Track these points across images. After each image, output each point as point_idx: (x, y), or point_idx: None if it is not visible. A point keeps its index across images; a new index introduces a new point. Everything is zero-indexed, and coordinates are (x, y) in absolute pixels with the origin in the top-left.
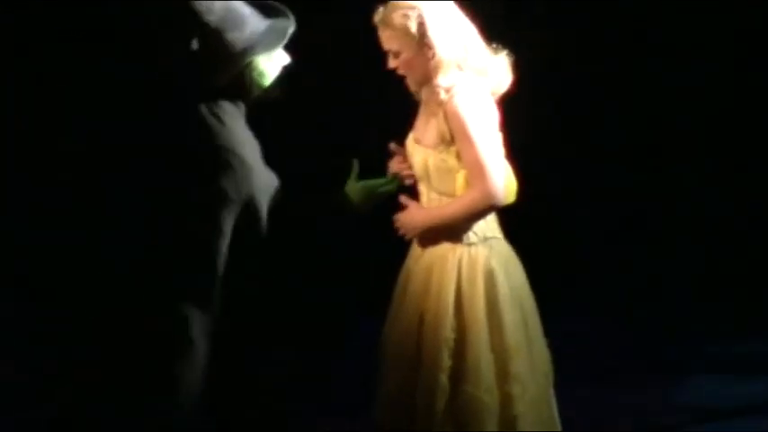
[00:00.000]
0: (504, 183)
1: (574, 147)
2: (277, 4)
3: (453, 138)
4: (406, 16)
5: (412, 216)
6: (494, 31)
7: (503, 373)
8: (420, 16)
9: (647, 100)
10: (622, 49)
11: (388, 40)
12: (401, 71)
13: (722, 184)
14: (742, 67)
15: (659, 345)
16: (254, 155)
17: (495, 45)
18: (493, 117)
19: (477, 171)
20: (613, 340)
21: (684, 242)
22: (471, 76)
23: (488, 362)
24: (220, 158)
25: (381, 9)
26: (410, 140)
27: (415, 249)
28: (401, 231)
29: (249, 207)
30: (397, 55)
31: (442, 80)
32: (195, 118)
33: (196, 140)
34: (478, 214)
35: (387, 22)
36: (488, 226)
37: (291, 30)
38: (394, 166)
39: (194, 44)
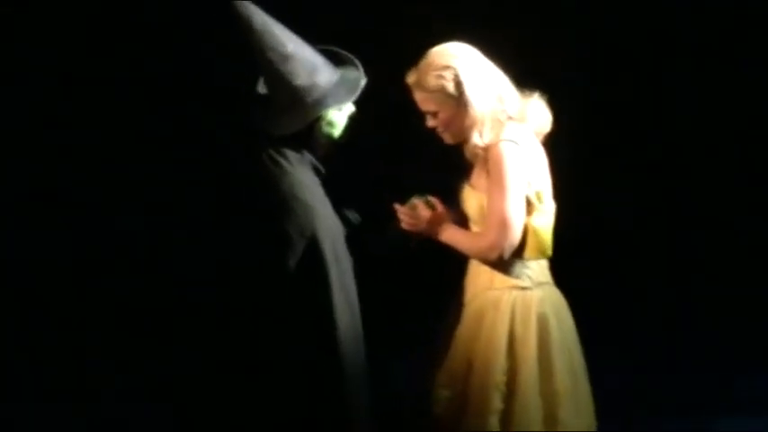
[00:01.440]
0: (514, 241)
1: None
2: (346, 53)
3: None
4: (441, 77)
5: (440, 222)
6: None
7: (550, 419)
8: (456, 76)
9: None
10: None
11: (424, 102)
12: (440, 129)
13: None
14: None
15: None
16: (317, 199)
17: (526, 90)
18: (539, 161)
19: (495, 222)
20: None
21: None
22: (512, 125)
23: (537, 407)
24: (283, 203)
25: (414, 71)
26: (466, 188)
27: (467, 291)
28: (418, 221)
29: (311, 248)
30: (435, 115)
31: (478, 139)
32: (260, 165)
33: (261, 187)
34: (481, 259)
35: (422, 85)
36: (541, 271)
37: (363, 83)
38: (403, 224)
39: (261, 86)
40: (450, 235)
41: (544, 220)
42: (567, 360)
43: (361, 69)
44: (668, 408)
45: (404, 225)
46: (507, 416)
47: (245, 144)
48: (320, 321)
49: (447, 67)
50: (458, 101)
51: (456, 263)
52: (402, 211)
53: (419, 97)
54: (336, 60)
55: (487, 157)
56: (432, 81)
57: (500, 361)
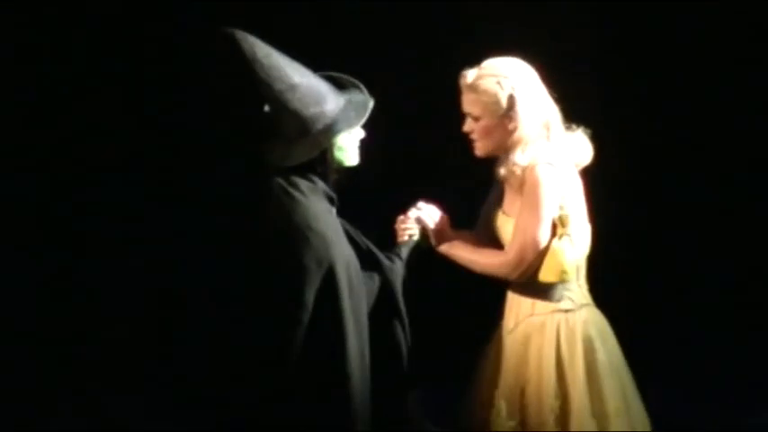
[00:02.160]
0: (534, 262)
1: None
2: (347, 77)
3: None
4: (499, 84)
5: (450, 240)
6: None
7: None
8: (513, 88)
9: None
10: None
11: (471, 104)
12: (476, 137)
13: None
14: None
15: None
16: (331, 228)
17: (570, 124)
18: (574, 189)
19: (523, 243)
20: None
21: None
22: (550, 148)
23: (591, 427)
24: (298, 234)
25: (472, 72)
26: (499, 215)
27: (508, 321)
28: (422, 219)
29: (328, 279)
30: (476, 119)
31: (520, 158)
32: (273, 196)
33: (275, 218)
34: (493, 276)
35: (475, 87)
36: (583, 293)
37: (371, 105)
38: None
39: (267, 118)
40: (459, 250)
41: (566, 245)
42: (617, 380)
43: (366, 92)
44: None
45: (399, 237)
46: None
47: (256, 177)
48: (333, 353)
49: (507, 78)
50: (505, 114)
51: (496, 291)
52: (399, 221)
53: (468, 98)
54: (338, 86)
55: (524, 178)
56: (488, 85)
57: (552, 385)
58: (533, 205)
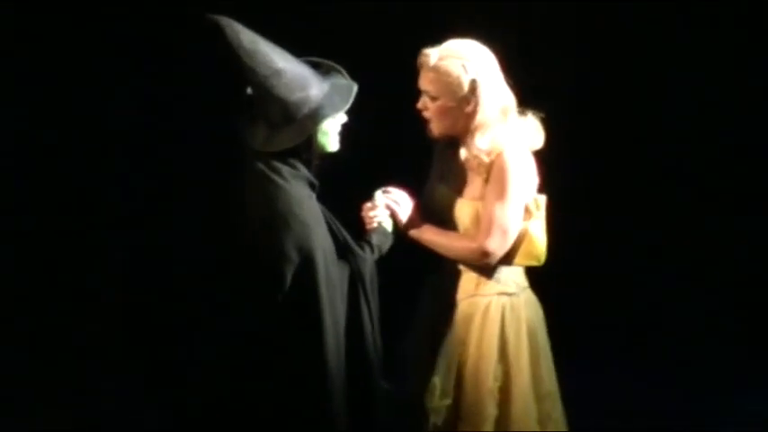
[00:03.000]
0: (507, 248)
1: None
2: (329, 62)
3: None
4: (463, 67)
5: (419, 224)
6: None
7: (546, 420)
8: (476, 72)
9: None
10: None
11: (430, 83)
12: (429, 115)
13: None
14: None
15: None
16: (312, 215)
17: (521, 108)
18: (532, 172)
19: (491, 227)
20: None
21: None
22: (510, 134)
23: (533, 410)
24: (280, 220)
25: (434, 51)
26: (458, 200)
27: (449, 296)
28: (392, 208)
29: (306, 266)
30: (433, 99)
31: (480, 142)
32: (255, 181)
33: (257, 203)
34: (465, 262)
35: (438, 67)
36: (523, 277)
37: (355, 89)
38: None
39: (250, 104)
40: (430, 235)
41: (540, 227)
42: (550, 363)
43: (348, 75)
44: None
45: (368, 224)
46: (504, 421)
47: (239, 162)
48: (308, 339)
49: (471, 62)
50: (464, 97)
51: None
52: (366, 209)
53: (428, 77)
54: (321, 71)
55: (491, 164)
56: (452, 67)
57: (492, 367)
58: (502, 191)
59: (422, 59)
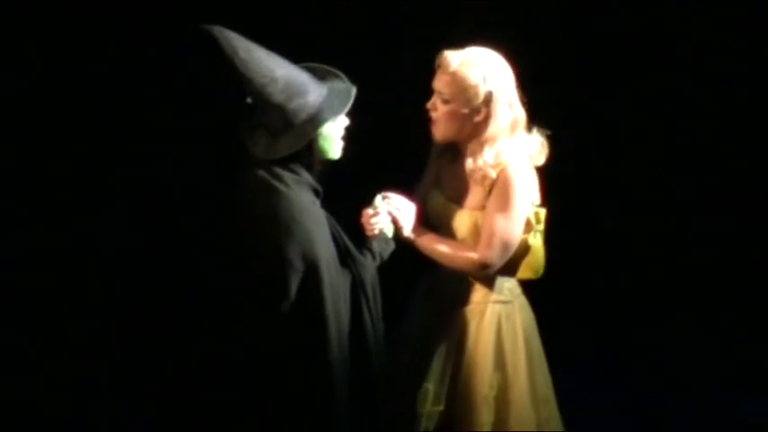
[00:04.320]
0: (505, 261)
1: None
2: (327, 67)
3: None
4: (483, 77)
5: (418, 230)
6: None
7: (543, 423)
8: (495, 85)
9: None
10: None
11: (445, 85)
12: (436, 117)
13: None
14: None
15: None
16: (315, 222)
17: (530, 125)
18: (535, 187)
19: (492, 240)
20: None
21: None
22: (517, 149)
23: (531, 416)
24: (282, 226)
25: (456, 55)
26: (456, 209)
27: (443, 302)
28: (394, 215)
29: (311, 273)
30: (445, 102)
31: (488, 154)
32: (257, 189)
33: (259, 211)
34: (463, 271)
35: (457, 72)
36: (515, 284)
37: (354, 92)
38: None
39: (250, 111)
40: (431, 243)
41: (539, 240)
42: (545, 365)
43: (347, 79)
44: None
45: (369, 230)
46: (502, 427)
47: (242, 169)
48: (313, 346)
49: (492, 73)
50: (476, 106)
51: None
52: (366, 215)
53: (444, 79)
54: (319, 77)
55: (496, 177)
56: (472, 74)
57: (487, 375)
58: (506, 205)
59: (442, 61)
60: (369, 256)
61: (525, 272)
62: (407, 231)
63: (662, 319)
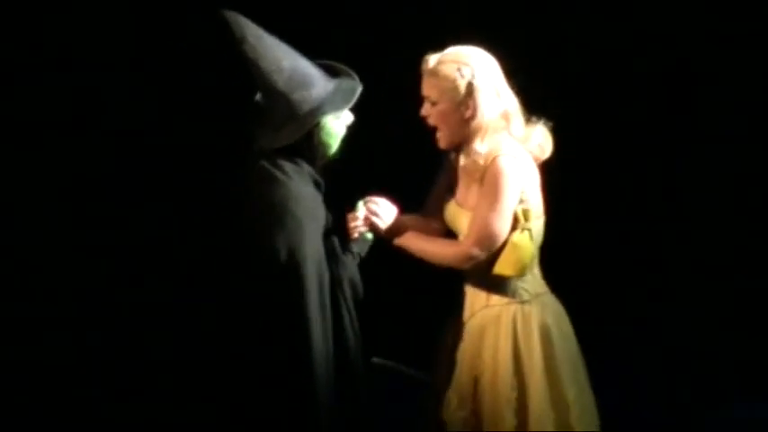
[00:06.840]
0: (490, 253)
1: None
2: (341, 65)
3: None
4: (458, 71)
5: (401, 231)
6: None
7: (564, 427)
8: (472, 75)
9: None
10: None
11: (430, 88)
12: (432, 121)
13: None
14: None
15: None
16: (309, 214)
17: (533, 117)
18: (533, 182)
19: (481, 234)
20: None
21: None
22: (510, 140)
23: (550, 418)
24: (274, 214)
25: (434, 57)
26: (453, 207)
27: (465, 311)
28: (371, 219)
29: (295, 266)
30: (433, 104)
31: (479, 146)
32: (258, 177)
33: (257, 198)
34: (449, 266)
35: (436, 72)
36: (537, 282)
37: (359, 90)
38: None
39: (258, 100)
40: (414, 241)
41: (525, 238)
42: (572, 367)
43: (357, 78)
44: None
45: (351, 232)
46: (522, 428)
47: (241, 156)
48: (295, 337)
49: (467, 65)
50: (462, 100)
51: (455, 283)
52: (350, 218)
53: (428, 82)
54: (332, 73)
55: (485, 168)
56: (447, 70)
57: (508, 377)
58: (494, 197)
59: (423, 65)
60: (350, 257)
61: (504, 268)
62: (387, 234)
63: (662, 318)
